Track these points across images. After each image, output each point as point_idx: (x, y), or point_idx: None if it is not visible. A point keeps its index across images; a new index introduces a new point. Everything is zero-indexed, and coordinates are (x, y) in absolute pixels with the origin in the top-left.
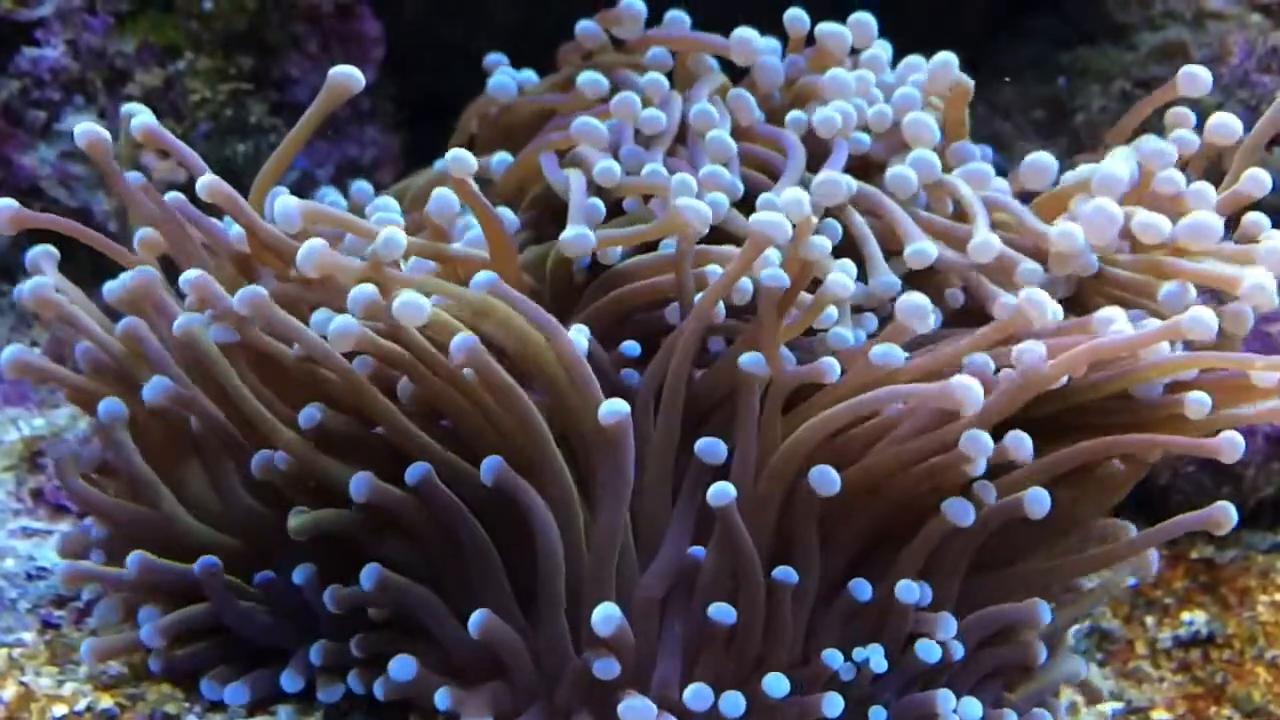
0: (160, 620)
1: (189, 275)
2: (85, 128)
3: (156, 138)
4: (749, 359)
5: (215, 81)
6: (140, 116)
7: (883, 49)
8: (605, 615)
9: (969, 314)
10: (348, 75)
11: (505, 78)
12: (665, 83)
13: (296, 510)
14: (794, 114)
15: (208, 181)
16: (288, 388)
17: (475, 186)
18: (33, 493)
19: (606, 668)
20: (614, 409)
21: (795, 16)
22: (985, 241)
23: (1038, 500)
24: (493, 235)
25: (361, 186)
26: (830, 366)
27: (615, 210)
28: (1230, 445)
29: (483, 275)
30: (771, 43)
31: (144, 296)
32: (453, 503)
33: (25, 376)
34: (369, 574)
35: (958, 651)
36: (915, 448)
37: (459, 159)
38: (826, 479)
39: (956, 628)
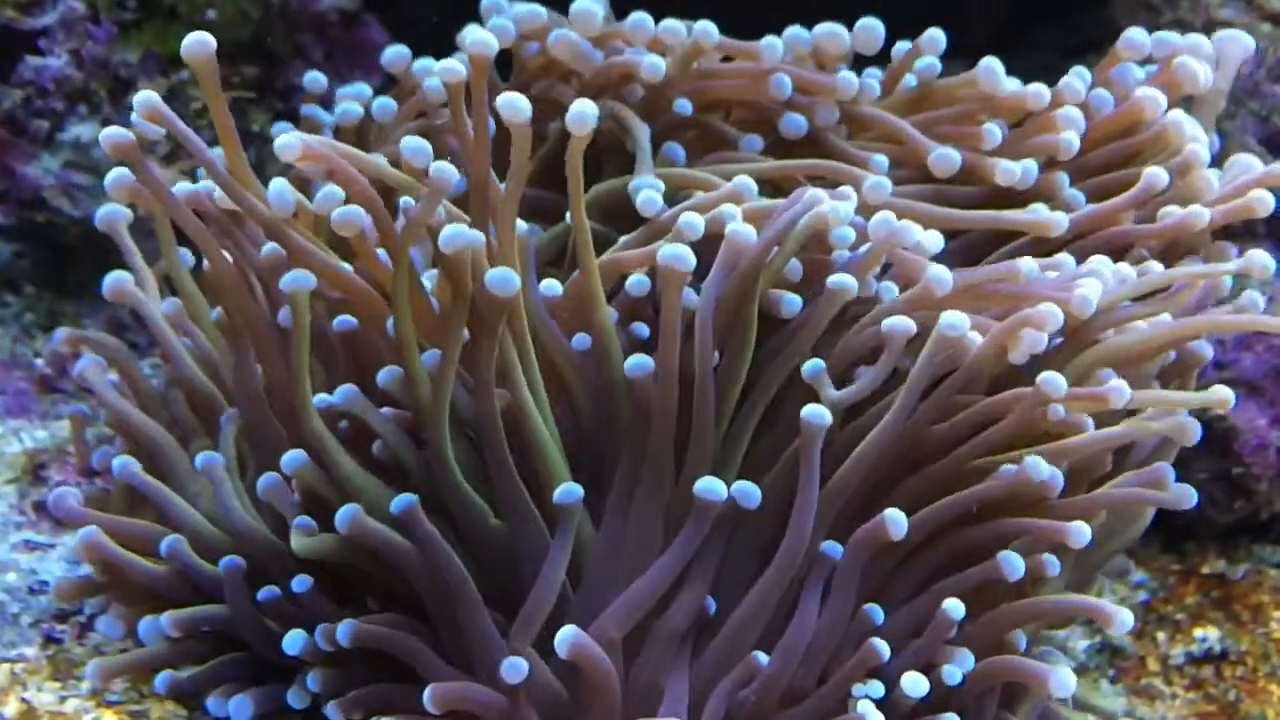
0: (175, 614)
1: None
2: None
3: (164, 121)
4: (812, 411)
5: None
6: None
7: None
8: (563, 638)
9: None
10: (197, 42)
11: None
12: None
13: (299, 524)
14: (990, 126)
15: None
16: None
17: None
18: (35, 506)
19: (514, 668)
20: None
21: (929, 65)
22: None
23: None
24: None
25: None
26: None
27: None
28: (1078, 533)
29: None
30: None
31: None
32: (432, 538)
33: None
34: (345, 630)
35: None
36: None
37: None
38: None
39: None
